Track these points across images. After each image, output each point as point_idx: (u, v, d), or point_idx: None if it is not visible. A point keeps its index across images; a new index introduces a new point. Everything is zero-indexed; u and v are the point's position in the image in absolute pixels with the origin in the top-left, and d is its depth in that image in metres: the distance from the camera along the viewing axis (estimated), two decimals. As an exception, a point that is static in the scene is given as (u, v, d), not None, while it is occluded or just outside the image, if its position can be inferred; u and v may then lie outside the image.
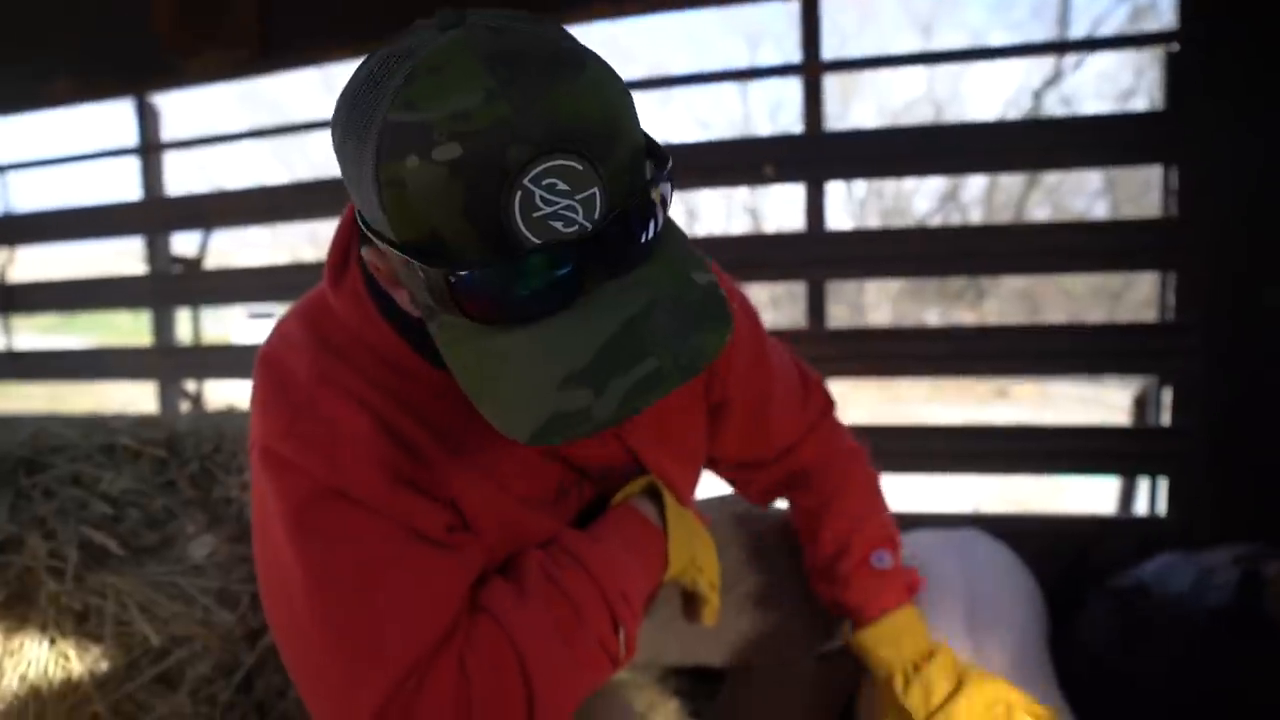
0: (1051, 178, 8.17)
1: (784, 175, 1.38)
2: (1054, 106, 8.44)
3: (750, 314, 0.72)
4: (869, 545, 0.70)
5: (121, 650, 0.68)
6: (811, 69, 1.36)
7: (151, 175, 1.94)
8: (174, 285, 1.96)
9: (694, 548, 0.64)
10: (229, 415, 0.93)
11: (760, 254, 1.41)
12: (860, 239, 1.37)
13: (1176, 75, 1.24)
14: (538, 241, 0.36)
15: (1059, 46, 1.43)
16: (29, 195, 2.08)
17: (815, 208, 1.37)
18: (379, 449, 0.49)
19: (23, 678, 0.64)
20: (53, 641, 0.65)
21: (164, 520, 0.73)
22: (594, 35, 1.42)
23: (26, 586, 0.65)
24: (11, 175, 2.09)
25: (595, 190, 0.36)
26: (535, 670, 0.48)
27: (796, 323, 1.43)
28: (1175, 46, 1.24)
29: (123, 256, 2.19)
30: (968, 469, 1.33)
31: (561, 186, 0.35)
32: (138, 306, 2.01)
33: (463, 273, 0.36)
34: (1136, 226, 1.27)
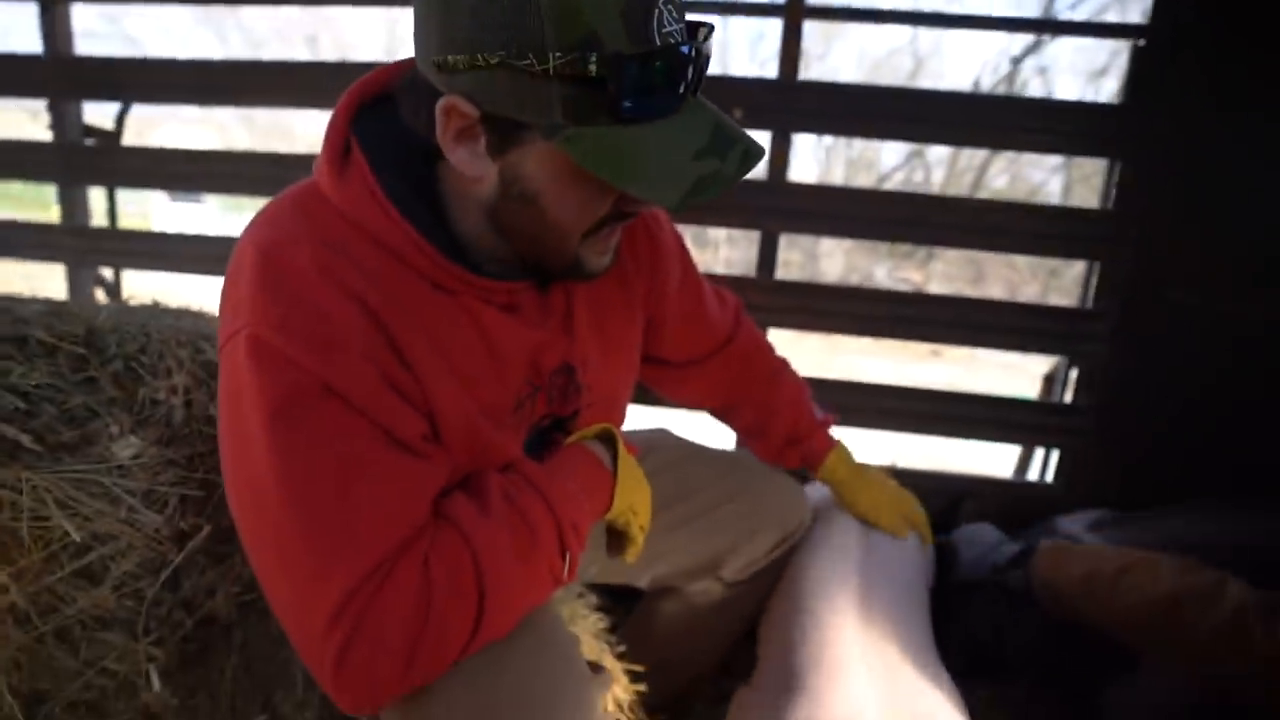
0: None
1: (753, 121, 1.37)
2: (1030, 73, 8.51)
3: (676, 232, 0.85)
4: (808, 404, 1.00)
5: (38, 545, 0.67)
6: (793, 12, 1.32)
7: (57, 28, 1.72)
8: (86, 159, 1.78)
9: (633, 494, 0.69)
10: (155, 312, 0.88)
11: (720, 198, 1.41)
12: (817, 195, 1.38)
13: (1139, 70, 1.27)
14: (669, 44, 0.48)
15: (1034, 24, 1.43)
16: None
17: (779, 158, 1.37)
18: (371, 348, 0.51)
19: (-68, 567, 0.62)
20: (-36, 533, 0.64)
21: (84, 419, 0.71)
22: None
23: (-68, 477, 0.63)
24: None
25: (685, 23, 0.50)
26: (489, 580, 0.51)
27: (748, 261, 1.45)
28: (1142, 41, 1.27)
29: (23, 119, 1.97)
30: (886, 425, 1.43)
31: (674, 13, 0.49)
32: (43, 178, 1.83)
33: (627, 64, 0.46)
34: (1073, 214, 1.34)
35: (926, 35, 10.45)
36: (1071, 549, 1.04)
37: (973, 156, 9.53)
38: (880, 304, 1.40)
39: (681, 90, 0.49)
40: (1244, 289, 1.26)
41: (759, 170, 1.46)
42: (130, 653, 0.74)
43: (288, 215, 0.54)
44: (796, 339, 1.56)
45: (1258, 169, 1.22)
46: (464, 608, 0.51)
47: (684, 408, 1.04)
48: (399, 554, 0.50)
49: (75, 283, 1.84)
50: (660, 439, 1.01)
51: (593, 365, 0.71)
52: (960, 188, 9.50)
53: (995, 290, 9.32)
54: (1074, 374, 1.44)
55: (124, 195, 1.95)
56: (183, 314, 0.96)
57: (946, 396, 1.44)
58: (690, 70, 0.49)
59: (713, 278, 0.97)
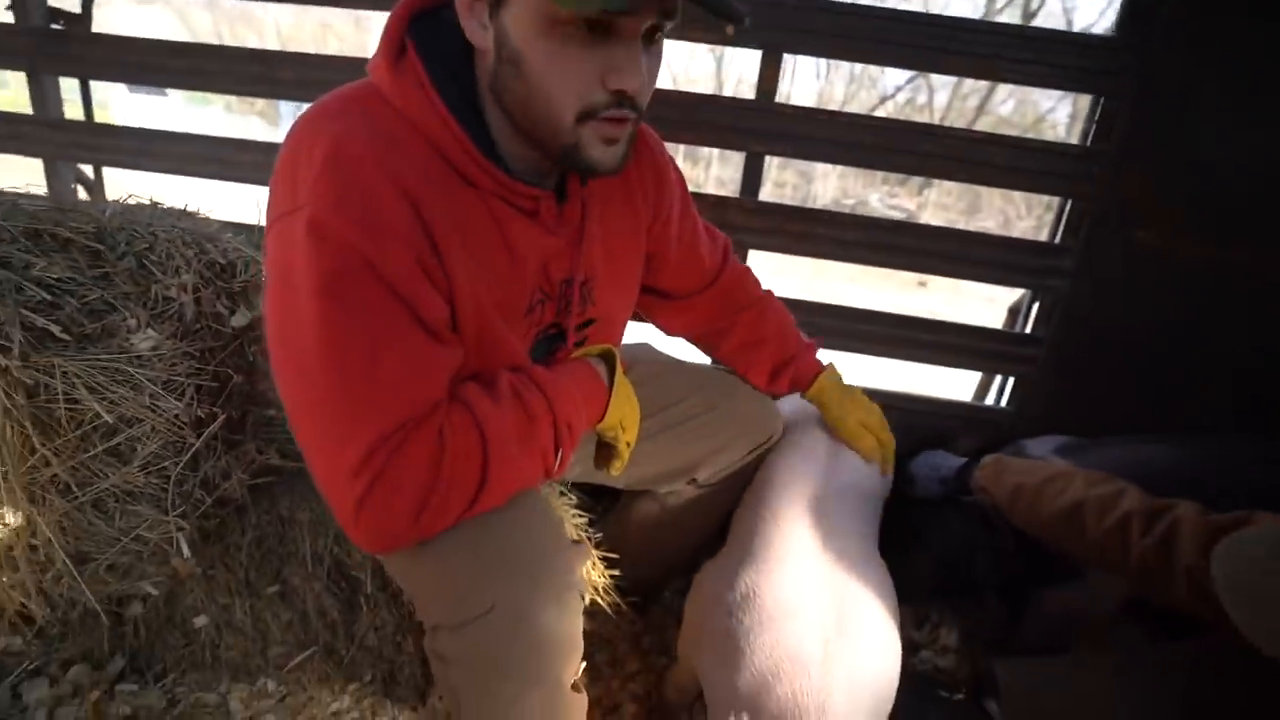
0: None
1: (742, 39, 1.35)
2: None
3: (679, 171, 0.89)
4: (793, 329, 1.05)
5: (72, 425, 0.74)
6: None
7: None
8: (54, 45, 1.71)
9: (624, 410, 0.77)
10: (157, 213, 0.91)
11: (707, 117, 1.41)
12: (805, 119, 1.39)
13: (1133, 5, 1.27)
14: None
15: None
16: None
17: (769, 78, 1.37)
18: (412, 236, 0.57)
19: (-20, 441, 0.69)
20: (6, 411, 0.70)
21: (103, 311, 0.76)
22: None
23: (-27, 360, 0.68)
24: None
25: None
26: (493, 457, 0.60)
27: (738, 180, 1.48)
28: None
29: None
30: (876, 352, 1.50)
31: None
32: (9, 66, 1.75)
33: None
34: (1053, 150, 1.37)
35: None
36: (1009, 463, 1.09)
37: (978, 80, 9.22)
38: (862, 230, 1.44)
39: None
40: (1207, 235, 1.32)
41: (748, 90, 1.47)
42: (159, 524, 0.83)
43: (350, 110, 0.59)
44: (783, 264, 1.61)
45: (1234, 116, 1.26)
46: (469, 475, 0.59)
47: (675, 335, 1.09)
48: (419, 422, 0.57)
49: (54, 176, 1.81)
50: (643, 352, 1.08)
51: (598, 282, 0.77)
52: (963, 112, 9.23)
53: (989, 223, 9.28)
54: (1036, 307, 1.52)
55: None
56: (181, 214, 0.99)
57: (916, 323, 1.51)
58: None
59: (699, 197, 1.01)
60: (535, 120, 0.60)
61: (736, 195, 1.46)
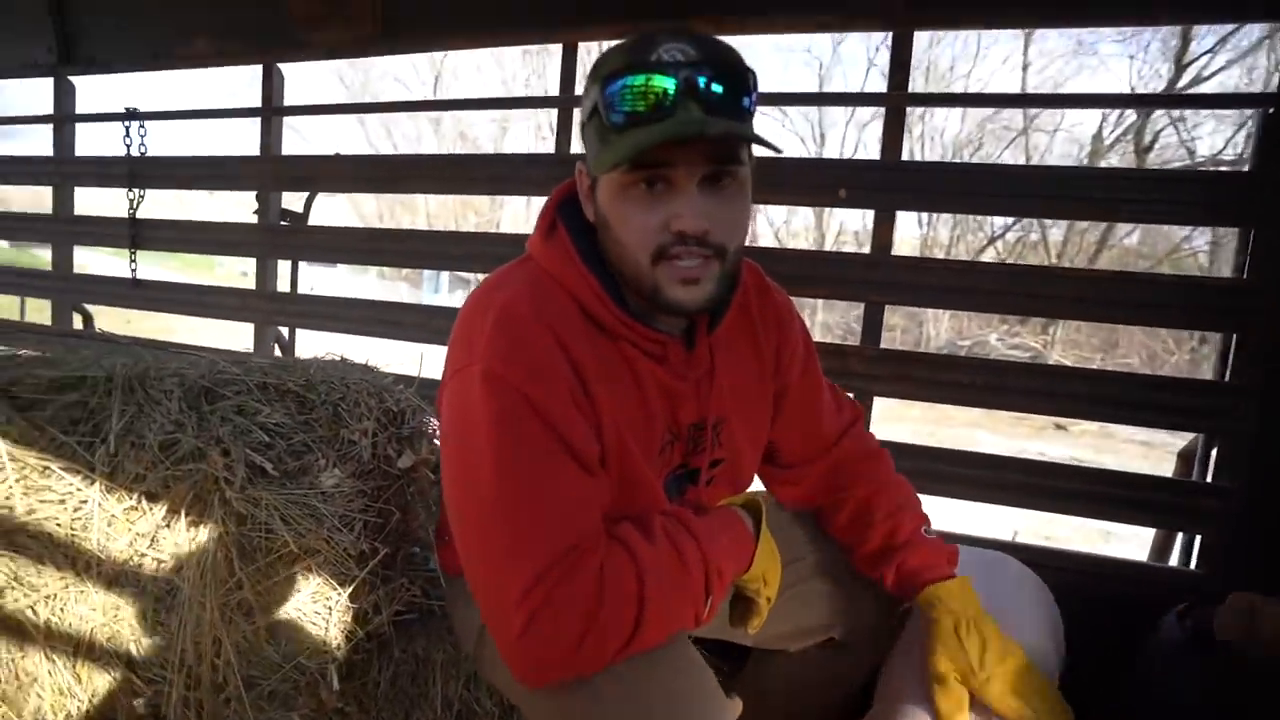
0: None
1: (856, 200, 1.45)
2: (1162, 122, 7.92)
3: (806, 331, 0.91)
4: (916, 520, 0.87)
5: (266, 552, 0.84)
6: (895, 100, 1.42)
7: (270, 135, 2.13)
8: (280, 237, 2.15)
9: (768, 564, 0.77)
10: (348, 367, 1.08)
11: (823, 271, 1.49)
12: (918, 268, 1.43)
13: (1270, 137, 1.25)
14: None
15: (1150, 100, 1.43)
16: (162, 143, 2.31)
17: (883, 234, 1.44)
18: (566, 377, 0.65)
19: (198, 562, 0.81)
20: (219, 537, 0.82)
21: (302, 451, 0.89)
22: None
23: (205, 491, 0.82)
24: (150, 124, 2.31)
25: (701, 59, 0.62)
26: (649, 597, 0.61)
27: (844, 325, 1.50)
28: (1272, 110, 1.25)
29: (237, 206, 2.42)
30: (1009, 501, 1.37)
31: (679, 55, 0.61)
32: (247, 254, 2.22)
33: (608, 82, 0.62)
34: (1204, 285, 1.30)
35: (1040, 83, 10.04)
36: (1261, 606, 0.93)
37: (1095, 215, 8.92)
38: (991, 374, 1.38)
39: (674, 99, 0.60)
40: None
41: (862, 244, 1.53)
42: (318, 653, 0.89)
43: (517, 279, 0.72)
44: (902, 409, 1.57)
45: None
46: (626, 613, 0.60)
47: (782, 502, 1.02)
48: (582, 554, 0.60)
49: (260, 338, 2.19)
50: (769, 504, 1.06)
51: (728, 426, 0.81)
52: (1082, 247, 8.91)
53: (1132, 359, 8.51)
54: (1215, 451, 1.35)
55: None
56: (364, 369, 1.16)
57: (1073, 471, 1.38)
58: (678, 81, 0.60)
59: (817, 346, 1.01)
60: (626, 270, 0.69)
61: (856, 344, 1.48)
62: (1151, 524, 1.45)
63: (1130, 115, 8.03)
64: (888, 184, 1.42)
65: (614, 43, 0.66)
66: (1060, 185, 1.34)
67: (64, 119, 2.42)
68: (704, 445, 0.80)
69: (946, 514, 1.05)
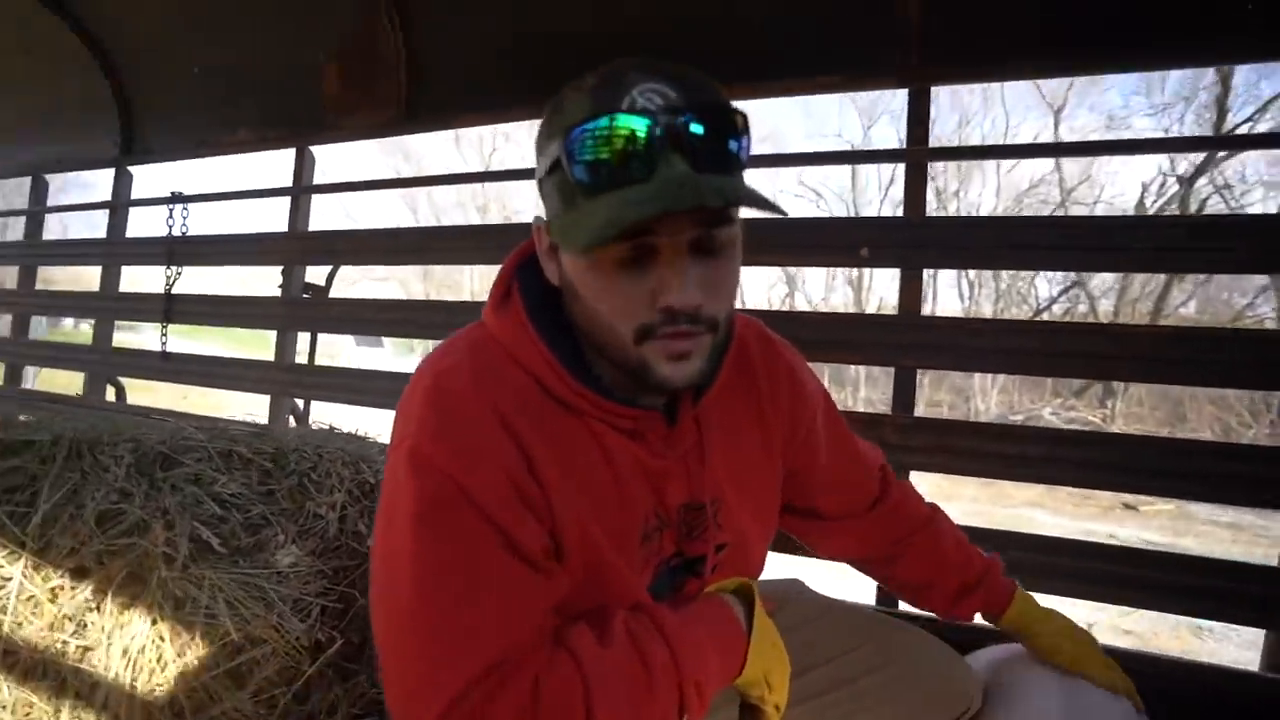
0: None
1: (880, 259, 1.37)
2: (1206, 191, 7.70)
3: (821, 385, 0.81)
4: (972, 546, 0.88)
5: (205, 641, 0.74)
6: (916, 155, 1.36)
7: (299, 213, 2.21)
8: (302, 310, 2.18)
9: (769, 661, 0.63)
10: (329, 436, 1.01)
11: (852, 335, 1.39)
12: (954, 328, 1.32)
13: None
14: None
15: (1196, 142, 1.33)
16: (201, 222, 2.42)
17: (911, 293, 1.35)
18: (508, 462, 0.55)
19: (124, 651, 0.71)
20: (154, 622, 0.73)
21: (260, 526, 0.81)
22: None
23: (143, 569, 0.74)
24: (192, 206, 2.45)
25: (681, 104, 0.51)
26: (598, 715, 0.49)
27: (887, 400, 1.37)
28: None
29: (265, 280, 2.50)
30: (1079, 593, 1.19)
31: (657, 100, 0.51)
32: (269, 326, 2.26)
33: (572, 135, 0.51)
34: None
35: (1070, 163, 9.99)
36: None
37: (1147, 282, 8.57)
38: (1043, 444, 1.24)
39: (656, 154, 0.50)
40: None
41: (890, 306, 1.44)
42: (259, 762, 0.77)
43: (459, 348, 0.62)
44: (952, 481, 1.42)
45: None
46: None
47: (833, 559, 0.95)
48: (513, 667, 0.50)
49: (276, 407, 2.18)
50: (794, 590, 0.92)
51: (727, 506, 0.69)
52: (1134, 317, 8.53)
53: (1205, 434, 7.92)
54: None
55: (323, 339, 2.35)
56: (351, 438, 1.10)
57: (1150, 557, 1.20)
58: (658, 130, 0.50)
59: (846, 415, 0.93)
60: (603, 345, 0.59)
61: (889, 412, 1.35)
62: (1259, 622, 1.22)
63: (1173, 185, 7.86)
64: (913, 241, 1.34)
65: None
66: (1104, 235, 1.23)
67: (120, 205, 2.58)
68: (703, 529, 0.68)
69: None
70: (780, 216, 0.55)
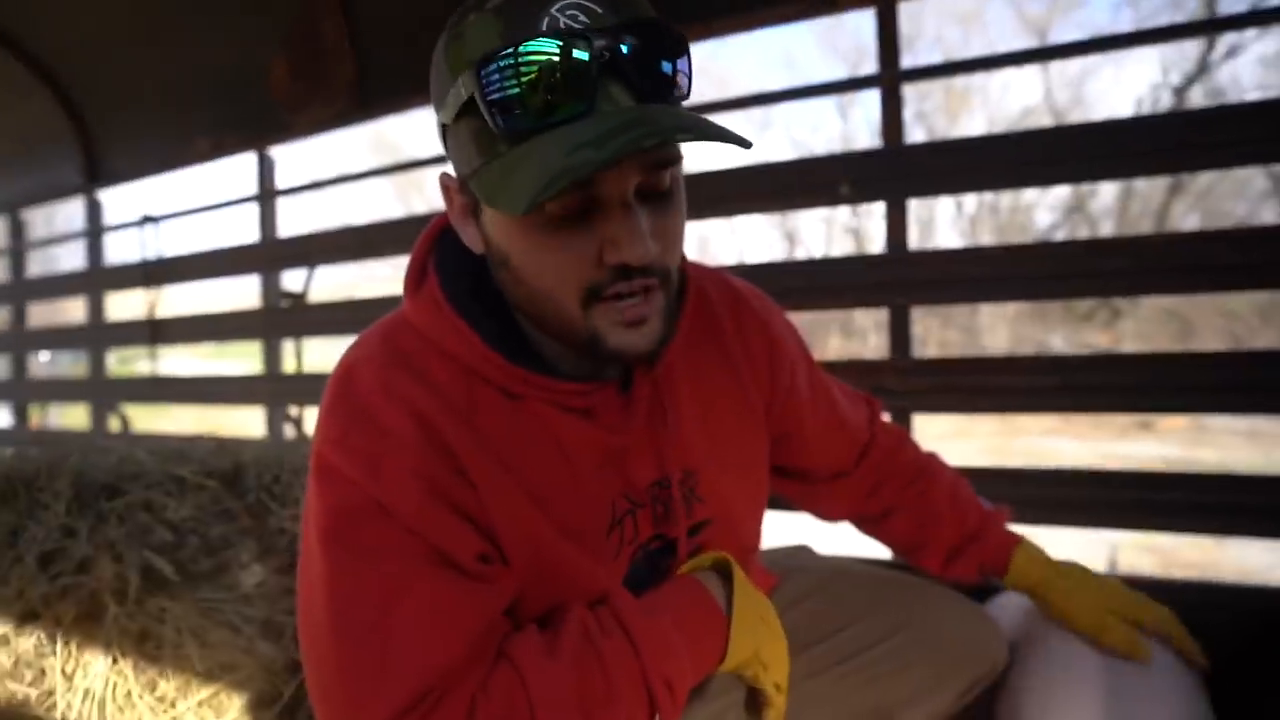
0: (1203, 179, 7.15)
1: (862, 194, 1.29)
2: (1201, 102, 7.46)
3: (796, 333, 0.75)
4: (971, 496, 0.82)
5: (174, 673, 0.71)
6: (888, 79, 1.27)
7: (268, 219, 2.14)
8: (281, 318, 2.13)
9: (760, 638, 0.57)
10: (294, 445, 0.96)
11: (836, 278, 1.32)
12: (946, 260, 1.24)
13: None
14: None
15: (1194, 27, 1.22)
16: (173, 241, 2.37)
17: (896, 227, 1.27)
18: (424, 463, 0.49)
19: (87, 692, 0.68)
20: (114, 661, 0.69)
21: (220, 548, 0.76)
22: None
23: (95, 606, 0.70)
24: (161, 224, 2.39)
25: (612, 23, 0.43)
26: None
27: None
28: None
29: (252, 291, 2.46)
30: (1100, 523, 1.13)
31: (582, 18, 0.43)
32: (252, 337, 2.21)
33: (485, 69, 0.42)
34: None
35: (1061, 90, 9.64)
36: None
37: (1148, 199, 8.35)
38: (1055, 374, 1.17)
39: (592, 88, 0.43)
40: None
41: (878, 244, 1.38)
42: (249, 791, 0.74)
43: (371, 340, 0.56)
44: (965, 423, 1.35)
45: None
46: None
47: (832, 522, 0.89)
48: (443, 693, 0.44)
49: (271, 419, 2.14)
50: (800, 558, 0.87)
51: (705, 476, 0.62)
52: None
53: (1216, 345, 7.79)
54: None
55: (312, 345, 2.30)
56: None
57: (1168, 480, 1.14)
58: (591, 55, 0.42)
59: (846, 365, 0.85)
60: (545, 317, 0.51)
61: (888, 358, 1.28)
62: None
63: (1166, 101, 7.58)
64: (895, 171, 1.26)
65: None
66: (1094, 142, 1.14)
67: (93, 232, 2.53)
68: (680, 507, 0.61)
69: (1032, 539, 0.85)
70: (747, 149, 0.45)
